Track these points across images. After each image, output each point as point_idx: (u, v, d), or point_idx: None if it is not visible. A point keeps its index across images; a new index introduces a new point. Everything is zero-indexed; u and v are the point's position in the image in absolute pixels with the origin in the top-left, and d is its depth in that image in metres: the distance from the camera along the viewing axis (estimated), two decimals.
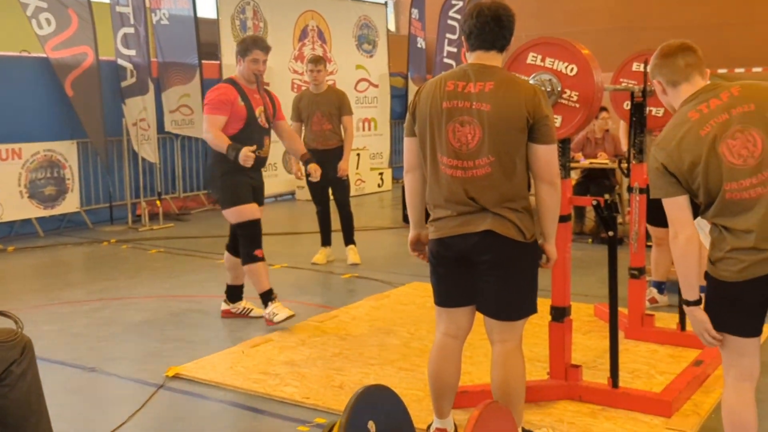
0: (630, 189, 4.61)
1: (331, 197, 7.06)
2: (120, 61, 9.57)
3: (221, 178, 5.09)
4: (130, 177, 9.74)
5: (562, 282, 3.73)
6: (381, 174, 13.05)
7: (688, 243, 2.60)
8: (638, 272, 4.65)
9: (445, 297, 3.12)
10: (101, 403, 4.03)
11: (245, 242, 5.11)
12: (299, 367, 4.33)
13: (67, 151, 9.07)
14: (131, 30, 9.54)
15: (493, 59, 2.97)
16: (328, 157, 6.80)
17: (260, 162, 5.12)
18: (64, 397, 3.96)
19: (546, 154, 2.90)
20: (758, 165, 2.52)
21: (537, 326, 4.39)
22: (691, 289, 2.65)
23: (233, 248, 5.35)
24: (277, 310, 5.04)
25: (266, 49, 5.21)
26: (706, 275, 2.69)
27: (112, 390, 4.20)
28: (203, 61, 10.64)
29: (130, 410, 3.79)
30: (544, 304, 3.74)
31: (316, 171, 5.72)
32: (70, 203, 9.18)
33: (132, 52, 9.57)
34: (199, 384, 4.15)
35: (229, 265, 5.41)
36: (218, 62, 11.05)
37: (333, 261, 7.12)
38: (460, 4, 13.62)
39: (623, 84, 4.84)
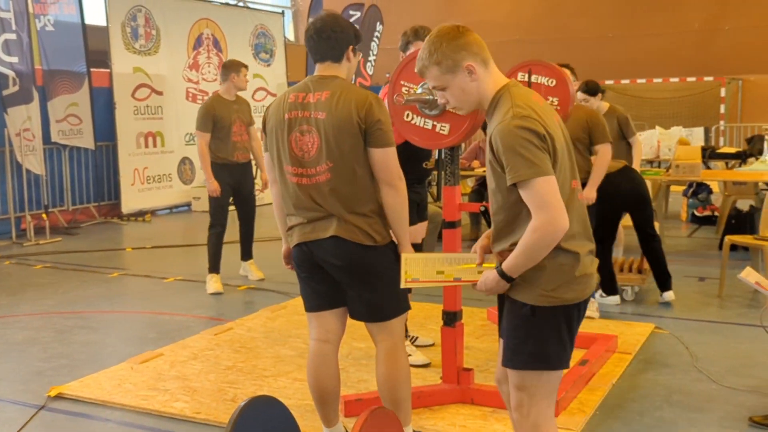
0: None
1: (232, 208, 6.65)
2: (1, 69, 9.13)
3: None
4: (14, 189, 9.29)
5: (452, 287, 3.77)
6: None
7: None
8: None
9: (311, 301, 3.18)
10: None
11: None
12: (190, 382, 4.22)
13: None
14: (13, 36, 9.11)
15: (331, 69, 3.06)
16: (247, 170, 6.55)
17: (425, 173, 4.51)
18: None
19: (382, 157, 2.96)
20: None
21: (433, 331, 4.43)
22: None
23: None
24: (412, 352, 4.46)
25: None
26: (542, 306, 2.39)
27: None
28: (92, 69, 10.29)
29: None
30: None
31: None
32: None
33: (14, 59, 9.14)
34: (84, 403, 3.99)
35: None
36: (108, 70, 10.71)
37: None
38: (358, 14, 13.69)
39: None
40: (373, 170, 2.98)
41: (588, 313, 5.21)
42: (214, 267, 6.47)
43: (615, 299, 5.66)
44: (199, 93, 12.18)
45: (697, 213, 9.28)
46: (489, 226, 3.64)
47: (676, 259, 6.85)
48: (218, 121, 6.22)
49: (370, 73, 13.33)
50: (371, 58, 13.35)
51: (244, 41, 13.09)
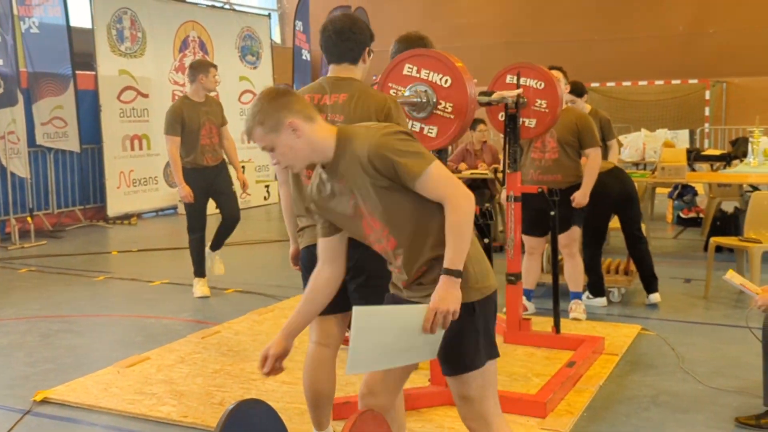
0: (507, 197, 4.73)
1: (216, 210, 6.51)
2: None
3: None
4: None
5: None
6: (267, 187, 12.92)
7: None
8: (515, 278, 4.78)
9: None
10: None
11: None
12: (177, 385, 4.20)
13: None
14: None
15: (348, 71, 3.05)
16: (219, 172, 6.31)
17: None
18: None
19: None
20: None
21: None
22: None
23: None
24: None
25: None
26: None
27: None
28: (77, 72, 10.24)
29: None
30: None
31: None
32: None
33: None
34: (70, 408, 3.96)
35: None
36: (94, 73, 10.65)
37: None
38: None
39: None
40: None
41: (575, 315, 5.27)
42: (199, 271, 6.37)
43: (602, 301, 5.69)
44: None
45: (682, 215, 9.34)
46: (478, 229, 3.66)
47: (662, 260, 6.88)
48: (186, 124, 5.98)
49: None
50: None
51: (230, 43, 13.07)
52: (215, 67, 6.25)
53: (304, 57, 13.82)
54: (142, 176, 11.34)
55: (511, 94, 4.53)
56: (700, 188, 9.54)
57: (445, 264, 2.24)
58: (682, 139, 10.64)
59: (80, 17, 11.35)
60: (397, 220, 2.35)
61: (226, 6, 16.07)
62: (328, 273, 2.56)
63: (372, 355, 2.23)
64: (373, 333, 2.20)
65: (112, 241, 9.57)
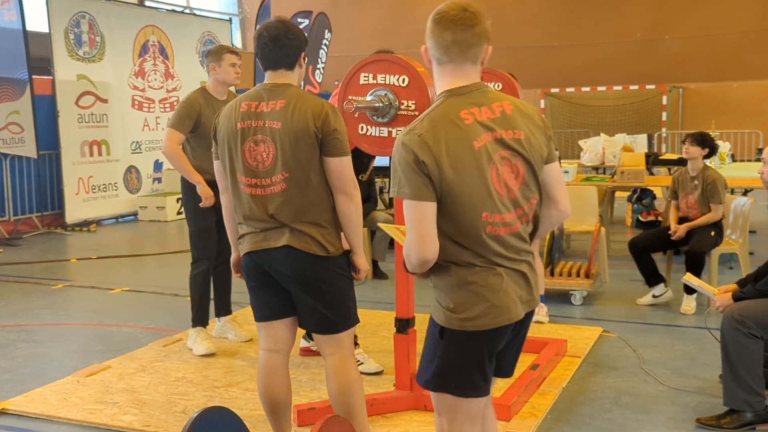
0: None
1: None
2: None
3: None
4: None
5: (405, 294, 3.78)
6: None
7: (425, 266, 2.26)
8: None
9: (261, 311, 3.13)
10: None
11: None
12: (139, 394, 4.14)
13: None
14: None
15: (284, 77, 3.03)
16: None
17: None
18: None
19: (338, 166, 2.96)
20: (515, 199, 2.28)
21: (385, 339, 4.43)
22: None
23: None
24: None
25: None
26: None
27: None
28: (34, 77, 10.06)
29: None
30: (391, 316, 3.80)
31: None
32: None
33: None
34: (29, 419, 3.88)
35: None
36: (51, 77, 10.48)
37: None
38: (307, 21, 13.64)
39: None
40: (329, 179, 2.97)
41: (537, 317, 5.32)
42: (200, 318, 4.89)
43: (662, 289, 5.86)
44: (145, 101, 12.01)
45: (641, 218, 9.47)
46: None
47: (621, 263, 6.98)
48: (202, 124, 4.65)
49: (319, 80, 13.29)
50: (320, 65, 13.31)
51: (190, 48, 12.96)
52: (235, 53, 4.82)
53: None
54: (101, 182, 11.17)
55: None
56: (658, 192, 9.70)
57: None
58: (640, 143, 10.80)
59: (37, 21, 11.15)
60: None
61: (186, 10, 15.93)
62: None
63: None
64: None
65: (70, 248, 9.41)
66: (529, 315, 2.39)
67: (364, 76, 3.58)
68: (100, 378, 4.40)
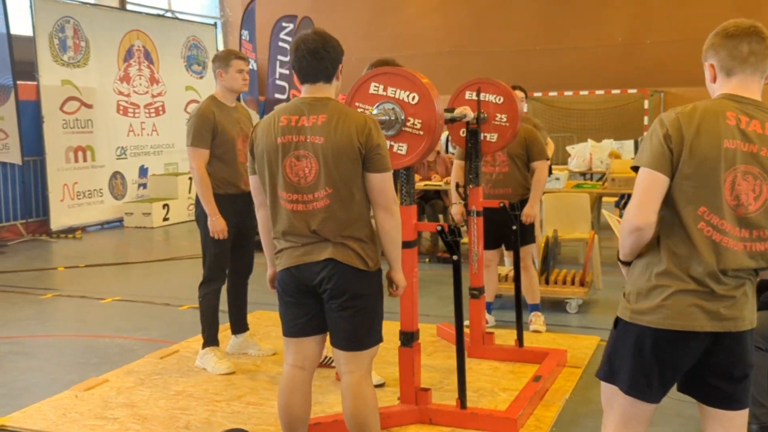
0: (469, 212, 4.74)
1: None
2: None
3: None
4: None
5: (410, 307, 3.76)
6: None
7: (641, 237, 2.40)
8: (478, 292, 4.80)
9: (292, 327, 3.10)
10: None
11: None
12: (140, 409, 4.09)
13: None
14: None
15: (323, 91, 3.01)
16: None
17: None
18: None
19: (380, 182, 2.96)
20: (743, 217, 2.26)
21: (386, 350, 4.39)
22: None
23: None
24: None
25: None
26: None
27: None
28: (19, 82, 9.94)
29: None
30: (395, 327, 3.78)
31: None
32: None
33: None
34: None
35: None
36: (35, 83, 10.35)
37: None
38: (291, 26, 13.62)
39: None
40: (370, 195, 2.96)
41: (535, 327, 5.32)
42: (211, 338, 4.76)
43: None
44: (130, 106, 11.91)
45: None
46: (447, 246, 3.67)
47: (611, 270, 7.00)
48: (219, 132, 4.49)
49: None
50: None
51: (175, 53, 12.87)
52: (243, 59, 4.66)
53: (250, 66, 13.70)
54: (86, 188, 11.06)
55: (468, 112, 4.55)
56: None
57: None
58: (627, 149, 10.88)
59: (21, 25, 11.01)
60: None
61: (169, 14, 15.81)
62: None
63: None
64: None
65: (56, 256, 9.30)
66: (726, 339, 2.42)
67: (375, 86, 3.57)
68: (99, 392, 4.34)
